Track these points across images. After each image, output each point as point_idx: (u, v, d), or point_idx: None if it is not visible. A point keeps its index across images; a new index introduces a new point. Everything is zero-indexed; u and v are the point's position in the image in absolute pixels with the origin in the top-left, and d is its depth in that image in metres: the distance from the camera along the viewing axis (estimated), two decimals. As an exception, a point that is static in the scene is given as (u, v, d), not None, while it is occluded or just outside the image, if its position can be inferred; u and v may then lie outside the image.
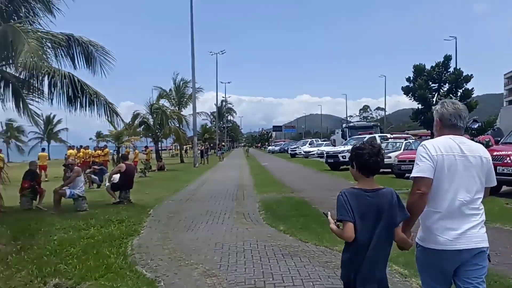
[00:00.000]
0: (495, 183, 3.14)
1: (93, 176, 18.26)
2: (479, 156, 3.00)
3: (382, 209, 2.77)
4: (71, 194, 10.79)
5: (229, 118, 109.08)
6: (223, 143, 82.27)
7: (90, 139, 53.02)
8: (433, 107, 4.05)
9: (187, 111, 43.55)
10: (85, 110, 11.91)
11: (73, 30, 11.71)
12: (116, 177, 12.16)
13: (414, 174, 2.95)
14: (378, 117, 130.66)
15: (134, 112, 32.05)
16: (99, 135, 50.75)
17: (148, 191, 16.42)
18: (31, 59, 8.88)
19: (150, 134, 33.09)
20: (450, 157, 2.92)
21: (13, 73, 11.34)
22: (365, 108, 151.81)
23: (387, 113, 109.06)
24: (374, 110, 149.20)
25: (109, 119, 12.26)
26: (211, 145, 72.37)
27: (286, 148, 66.18)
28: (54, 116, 71.29)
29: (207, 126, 78.84)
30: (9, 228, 9.45)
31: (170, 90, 43.11)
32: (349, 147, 25.13)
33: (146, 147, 33.17)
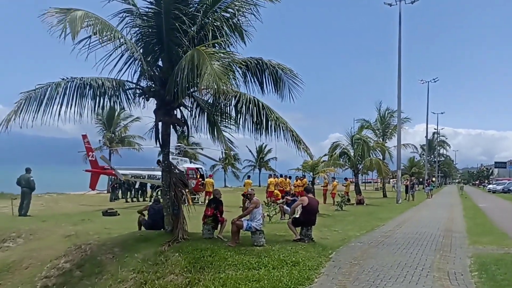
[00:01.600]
0: None
1: (285, 207, 17.66)
2: None
3: None
4: (248, 227, 10.06)
5: (441, 151, 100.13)
6: (433, 178, 75.52)
7: (297, 169, 54.54)
8: None
9: (392, 143, 40.90)
10: (270, 136, 11.23)
11: (262, 55, 11.20)
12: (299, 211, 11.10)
13: None
14: None
15: (333, 143, 31.21)
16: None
17: (338, 227, 14.94)
18: (213, 83, 8.55)
19: (350, 166, 31.68)
20: None
21: (202, 97, 11.44)
22: None
23: None
24: None
25: (296, 147, 11.33)
26: (420, 180, 66.94)
27: (511, 188, 56.83)
28: (265, 145, 76.20)
29: (415, 160, 73.34)
30: (185, 257, 9.17)
31: (376, 120, 41.27)
32: None
33: (346, 179, 31.85)
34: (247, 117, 11.18)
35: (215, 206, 10.95)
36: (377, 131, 41.08)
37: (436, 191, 59.36)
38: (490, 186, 73.87)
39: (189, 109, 11.78)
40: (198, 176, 27.16)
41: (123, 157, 38.52)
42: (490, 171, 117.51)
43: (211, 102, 11.54)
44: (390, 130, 40.95)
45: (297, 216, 11.17)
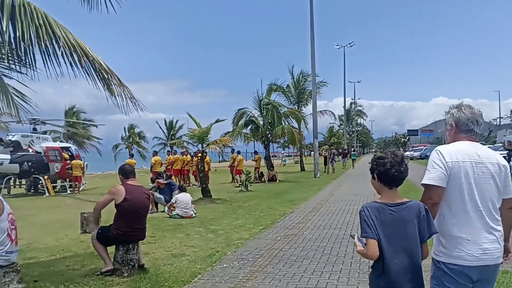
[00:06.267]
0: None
1: (157, 194, 12.53)
2: (497, 163, 2.69)
3: (408, 225, 2.49)
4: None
5: (359, 121, 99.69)
6: (355, 148, 74.01)
7: (178, 141, 50.62)
8: (446, 111, 3.01)
9: (308, 111, 36.73)
10: (59, 66, 5.79)
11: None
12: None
13: (425, 181, 2.65)
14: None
15: (239, 110, 26.25)
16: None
17: (223, 223, 10.06)
18: None
19: (259, 137, 27.07)
20: (467, 164, 2.63)
21: None
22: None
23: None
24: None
25: (105, 87, 6.06)
26: (340, 150, 64.65)
27: (428, 154, 55.61)
28: (177, 121, 70.01)
29: (334, 130, 70.99)
30: None
31: (288, 86, 36.80)
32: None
33: (256, 152, 27.30)
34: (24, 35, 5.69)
35: None
36: (291, 98, 36.76)
37: (357, 160, 57.14)
38: (408, 153, 73.71)
39: None
40: (66, 158, 21.19)
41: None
42: (407, 138, 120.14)
43: None
44: (306, 96, 36.75)
45: (107, 225, 5.95)
